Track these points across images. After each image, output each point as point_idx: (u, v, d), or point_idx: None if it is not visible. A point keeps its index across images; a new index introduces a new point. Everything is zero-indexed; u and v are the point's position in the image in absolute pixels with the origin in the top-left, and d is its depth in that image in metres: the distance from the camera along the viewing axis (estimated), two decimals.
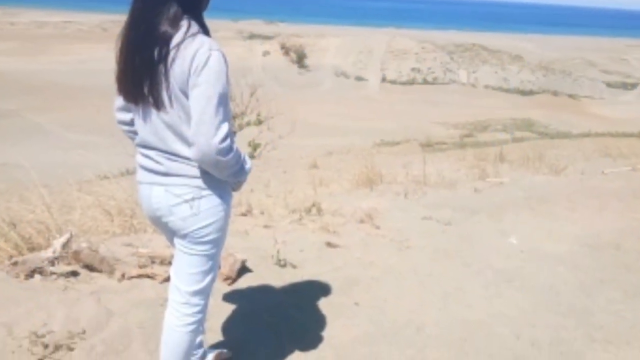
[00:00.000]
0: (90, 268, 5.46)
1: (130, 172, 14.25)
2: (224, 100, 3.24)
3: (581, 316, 5.71)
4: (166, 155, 3.43)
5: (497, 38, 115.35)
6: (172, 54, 3.21)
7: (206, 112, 3.18)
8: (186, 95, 3.24)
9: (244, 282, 5.76)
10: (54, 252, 5.42)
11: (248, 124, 33.13)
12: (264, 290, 5.69)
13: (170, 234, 3.69)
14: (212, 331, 4.80)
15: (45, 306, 4.75)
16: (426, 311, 5.62)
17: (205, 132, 3.19)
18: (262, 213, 8.25)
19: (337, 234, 7.40)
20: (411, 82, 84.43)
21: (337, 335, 5.05)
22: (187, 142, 3.31)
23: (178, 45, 3.22)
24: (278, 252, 6.30)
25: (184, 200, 3.45)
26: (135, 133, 3.57)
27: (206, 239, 3.55)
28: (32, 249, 5.75)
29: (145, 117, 3.41)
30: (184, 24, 3.28)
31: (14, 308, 4.70)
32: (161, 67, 3.23)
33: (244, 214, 8.01)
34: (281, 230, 7.32)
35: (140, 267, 5.58)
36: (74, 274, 5.35)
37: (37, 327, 4.47)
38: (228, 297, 5.39)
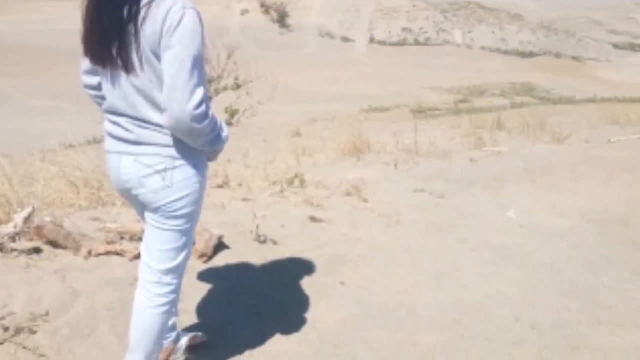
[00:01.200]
0: (54, 244, 5.44)
1: (97, 141, 14.21)
2: (198, 63, 3.21)
3: (586, 296, 5.72)
4: (136, 122, 3.39)
5: None
6: (142, 12, 3.17)
7: (179, 76, 3.15)
8: (158, 58, 3.21)
9: (220, 260, 5.75)
10: (15, 227, 5.39)
11: (225, 88, 33.11)
12: (243, 269, 5.69)
13: (141, 207, 3.66)
14: (186, 313, 4.80)
15: (5, 286, 4.73)
16: (418, 291, 5.64)
17: (178, 97, 3.15)
18: (241, 185, 8.23)
19: (321, 207, 7.40)
20: (402, 43, 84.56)
21: (321, 317, 5.05)
22: (159, 108, 3.28)
23: (149, 3, 3.18)
24: (258, 227, 6.29)
25: (156, 171, 3.41)
26: (103, 98, 3.53)
27: (180, 213, 3.52)
28: None
29: (113, 81, 3.37)
30: None
31: None
32: (131, 27, 3.19)
33: (220, 186, 8.00)
34: (261, 203, 7.30)
35: (109, 243, 5.56)
36: (37, 250, 5.32)
37: None
38: (203, 276, 5.39)
